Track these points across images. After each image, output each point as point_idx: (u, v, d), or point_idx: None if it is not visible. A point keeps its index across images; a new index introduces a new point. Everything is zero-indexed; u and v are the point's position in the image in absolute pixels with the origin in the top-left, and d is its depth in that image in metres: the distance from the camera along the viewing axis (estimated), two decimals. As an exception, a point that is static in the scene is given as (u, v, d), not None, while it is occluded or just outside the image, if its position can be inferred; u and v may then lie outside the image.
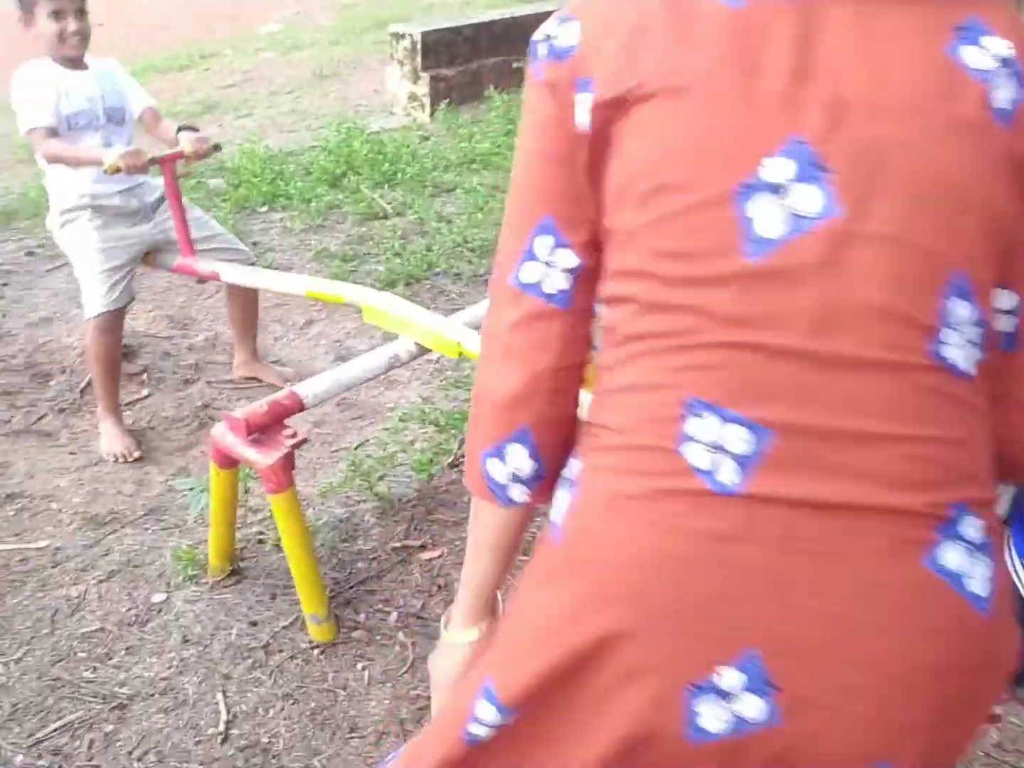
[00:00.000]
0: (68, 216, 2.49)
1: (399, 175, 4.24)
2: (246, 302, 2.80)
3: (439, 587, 1.99)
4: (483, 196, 3.99)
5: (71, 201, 2.45)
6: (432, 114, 5.16)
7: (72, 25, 2.30)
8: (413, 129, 5.02)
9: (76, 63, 2.41)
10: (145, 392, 2.79)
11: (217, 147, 2.54)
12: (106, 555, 2.08)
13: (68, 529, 2.17)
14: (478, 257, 3.50)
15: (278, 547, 2.02)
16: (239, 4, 11.75)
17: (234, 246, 2.70)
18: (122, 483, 2.37)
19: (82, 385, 2.78)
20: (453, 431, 2.47)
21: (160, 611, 1.91)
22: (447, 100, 5.14)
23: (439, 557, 2.07)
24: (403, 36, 5.12)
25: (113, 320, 2.50)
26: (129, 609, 1.92)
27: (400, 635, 1.86)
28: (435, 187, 4.17)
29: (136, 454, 2.46)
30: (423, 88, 5.16)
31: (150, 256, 2.61)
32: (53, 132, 2.35)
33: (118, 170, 2.25)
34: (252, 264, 2.74)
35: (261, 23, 10.41)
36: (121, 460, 2.44)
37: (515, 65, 5.39)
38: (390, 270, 3.39)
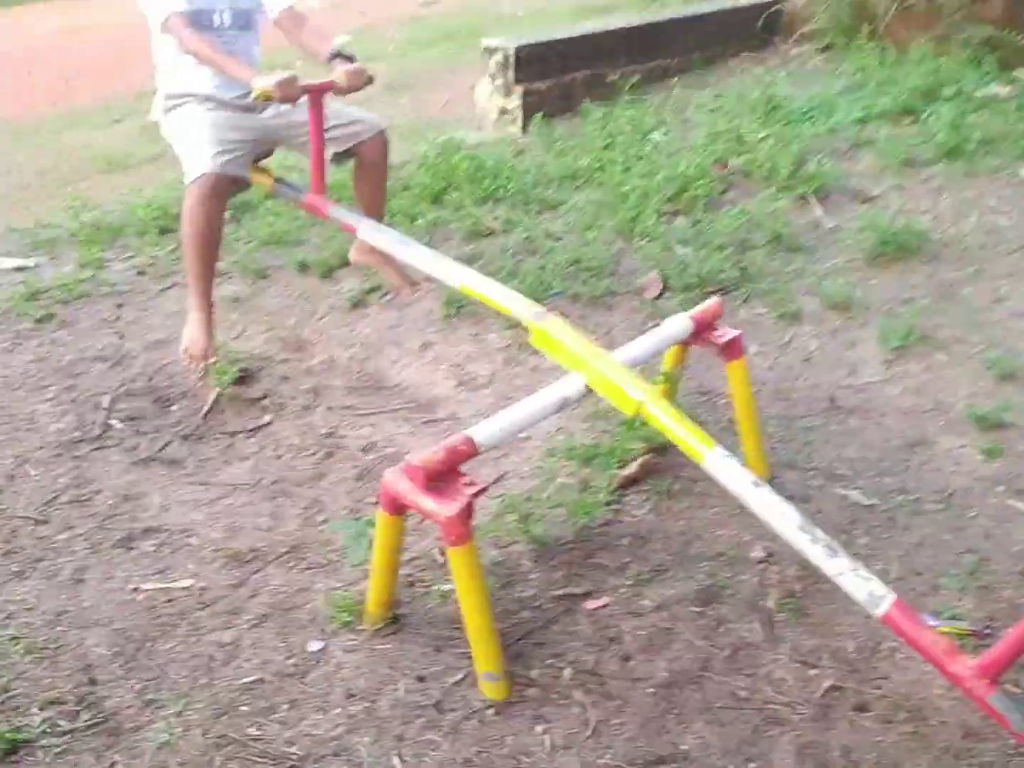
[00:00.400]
0: (176, 101, 2.36)
1: (501, 191, 4.12)
2: (375, 181, 2.66)
3: (610, 640, 1.85)
4: (590, 214, 3.86)
5: (182, 87, 2.32)
6: (525, 128, 5.05)
7: None
8: (507, 144, 4.92)
9: None
10: (267, 419, 2.70)
11: (371, 79, 2.41)
12: (254, 596, 1.98)
13: (211, 567, 2.07)
14: (594, 278, 3.37)
15: (440, 596, 1.90)
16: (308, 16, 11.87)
17: (361, 117, 2.58)
18: (257, 516, 2.28)
19: (205, 410, 2.70)
20: (599, 466, 2.33)
21: (318, 661, 1.80)
22: (540, 113, 5.02)
23: (605, 607, 1.93)
24: (495, 50, 5.03)
25: (218, 185, 2.33)
26: (287, 658, 1.81)
27: (577, 694, 1.73)
28: (540, 204, 4.04)
29: (212, 359, 2.36)
30: (515, 102, 5.06)
31: (268, 152, 2.50)
32: (192, 21, 2.24)
33: (269, 98, 2.14)
34: (381, 130, 2.57)
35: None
36: (193, 364, 2.34)
37: (609, 79, 5.27)
38: (505, 291, 3.27)
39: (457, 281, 2.15)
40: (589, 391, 1.84)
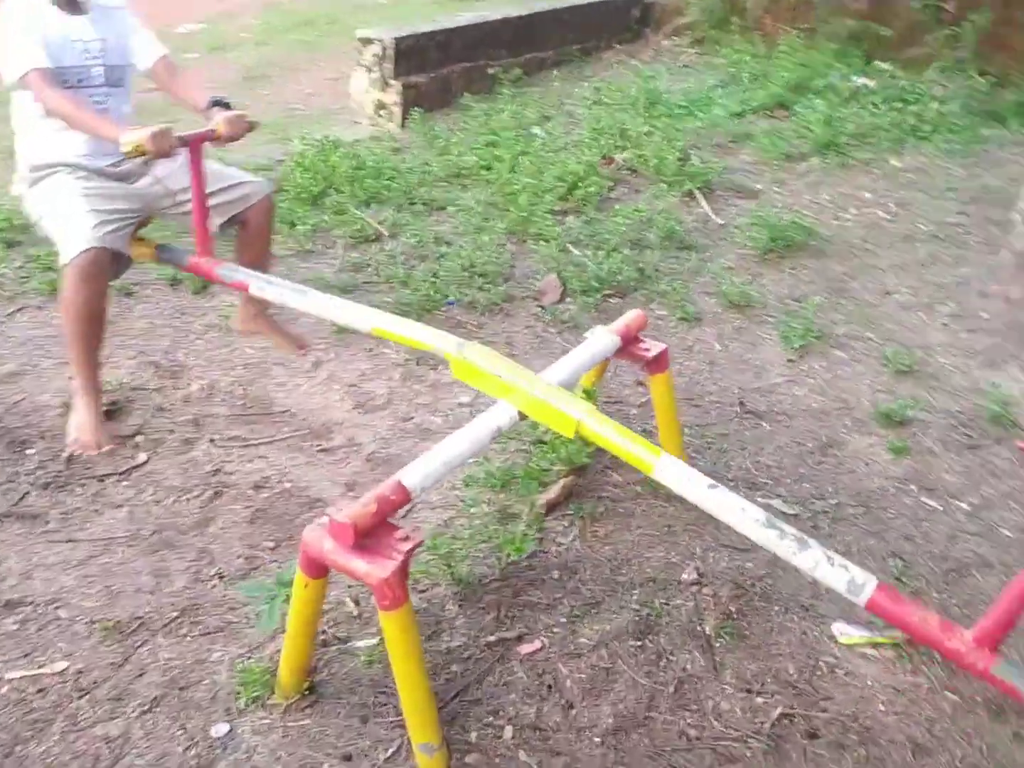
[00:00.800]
0: (42, 172, 2.10)
1: (385, 192, 3.91)
2: (261, 246, 2.48)
3: (549, 688, 1.72)
4: (480, 215, 3.71)
5: (48, 155, 2.07)
6: (404, 123, 4.83)
7: None
8: (384, 140, 4.69)
9: (74, 4, 2.04)
10: (142, 458, 2.41)
11: (252, 126, 2.21)
12: (141, 675, 1.73)
13: (88, 644, 1.80)
14: (490, 284, 3.22)
15: (364, 657, 1.71)
16: (154, 3, 11.09)
17: (245, 179, 2.39)
18: (137, 576, 2.00)
19: (67, 453, 2.38)
20: (518, 491, 2.19)
21: (226, 748, 1.58)
22: (418, 108, 4.82)
23: (540, 650, 1.80)
24: (371, 41, 4.78)
25: (100, 261, 2.10)
26: (187, 748, 1.58)
27: (521, 754, 1.59)
28: (427, 205, 3.86)
29: (107, 448, 2.12)
30: (393, 96, 4.83)
31: (145, 221, 2.30)
32: (55, 78, 1.99)
33: (143, 153, 1.92)
34: (268, 194, 2.42)
35: (179, 23, 9.82)
36: (87, 453, 2.09)
37: (490, 71, 5.12)
38: (399, 300, 3.08)
39: (368, 325, 1.97)
40: (522, 418, 1.70)
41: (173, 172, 2.29)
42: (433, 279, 3.22)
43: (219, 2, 10.67)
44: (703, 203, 3.91)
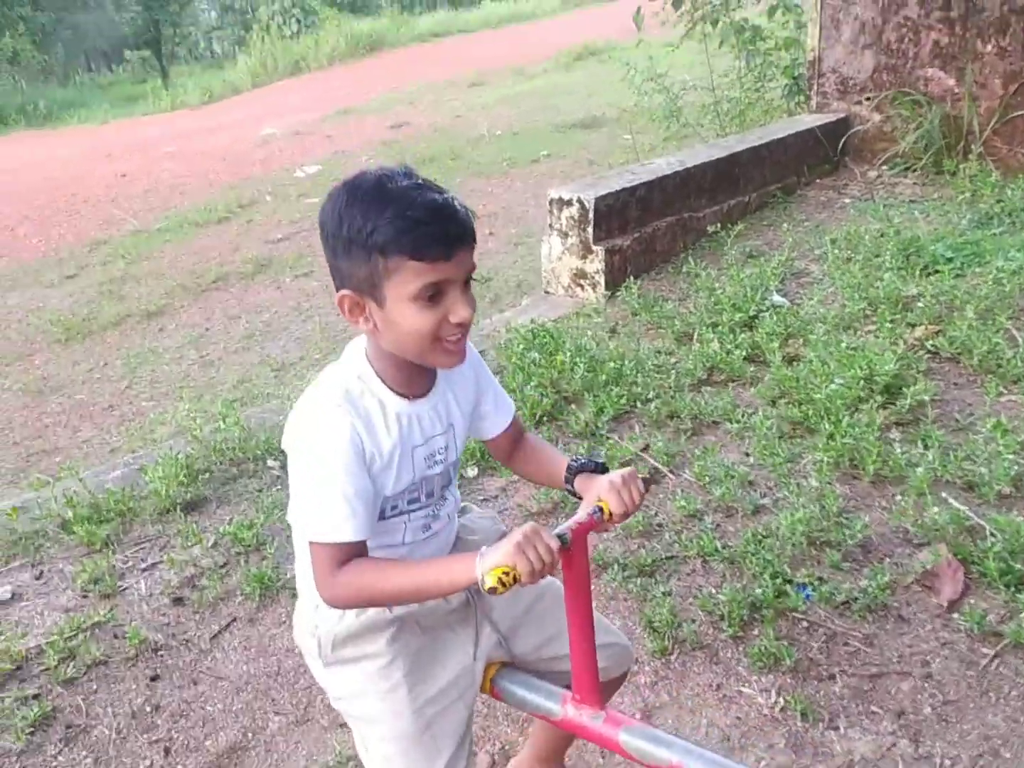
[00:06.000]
0: (351, 651, 1.27)
1: (634, 402, 3.05)
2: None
3: None
4: (776, 436, 2.78)
5: (362, 624, 1.24)
6: (613, 294, 4.03)
7: (462, 310, 1.15)
8: (592, 317, 3.88)
9: (419, 382, 1.22)
10: None
11: (653, 483, 1.39)
12: None
13: None
14: (847, 561, 2.27)
15: None
16: (267, 146, 10.91)
17: (621, 640, 1.49)
18: None
19: None
20: None
21: None
22: (629, 275, 4.03)
23: None
24: (569, 202, 4.04)
25: None
26: None
27: None
28: (698, 424, 2.97)
29: None
30: (596, 263, 4.05)
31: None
32: (356, 551, 1.16)
33: (514, 582, 1.08)
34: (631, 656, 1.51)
35: (296, 165, 9.50)
36: None
37: (697, 223, 4.34)
38: (726, 589, 2.15)
39: None
40: None
41: (519, 618, 1.41)
42: (761, 551, 2.29)
43: (330, 141, 10.45)
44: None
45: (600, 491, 1.26)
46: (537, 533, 1.11)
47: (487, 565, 1.09)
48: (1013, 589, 2.13)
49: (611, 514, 1.25)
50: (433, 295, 1.12)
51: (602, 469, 1.33)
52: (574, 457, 1.37)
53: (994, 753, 1.77)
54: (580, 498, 1.32)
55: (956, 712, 1.86)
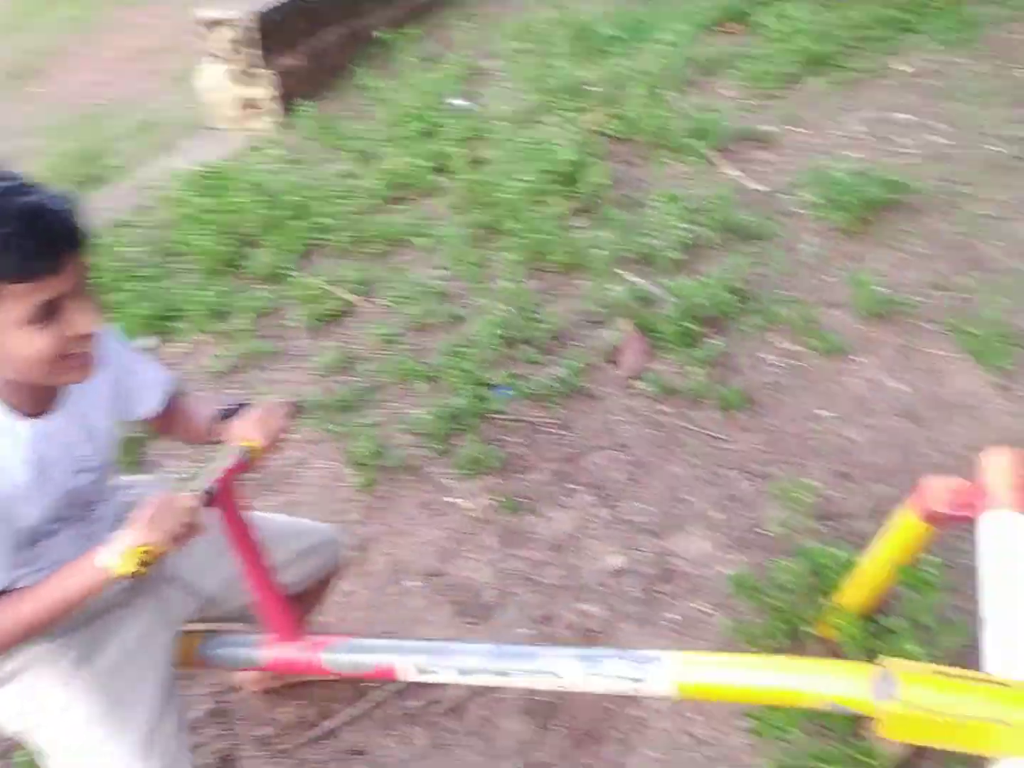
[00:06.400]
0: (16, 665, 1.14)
1: (322, 235, 2.84)
2: (315, 600, 1.50)
3: None
4: (467, 243, 2.72)
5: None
6: (285, 121, 3.67)
7: (83, 322, 0.98)
8: (263, 149, 3.52)
9: (48, 397, 1.08)
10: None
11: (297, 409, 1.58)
12: None
13: None
14: (543, 353, 2.30)
15: None
16: None
17: (313, 530, 1.45)
18: None
19: None
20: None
21: None
22: (301, 97, 3.68)
23: None
24: (221, 23, 3.54)
25: None
26: None
27: None
28: (383, 243, 2.82)
29: None
30: (264, 89, 3.65)
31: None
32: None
33: (151, 562, 1.00)
34: (341, 544, 1.46)
35: None
36: None
37: (382, 35, 4.01)
38: (432, 407, 2.12)
39: (666, 683, 1.07)
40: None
41: (199, 561, 1.29)
42: (456, 358, 2.27)
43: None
44: (728, 169, 3.08)
45: (244, 431, 1.21)
46: (168, 502, 1.02)
47: (118, 551, 0.99)
48: (688, 348, 2.27)
49: (258, 450, 1.20)
50: (47, 314, 0.95)
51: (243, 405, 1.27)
52: (228, 402, 1.29)
53: (679, 500, 1.92)
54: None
55: (645, 472, 1.98)
